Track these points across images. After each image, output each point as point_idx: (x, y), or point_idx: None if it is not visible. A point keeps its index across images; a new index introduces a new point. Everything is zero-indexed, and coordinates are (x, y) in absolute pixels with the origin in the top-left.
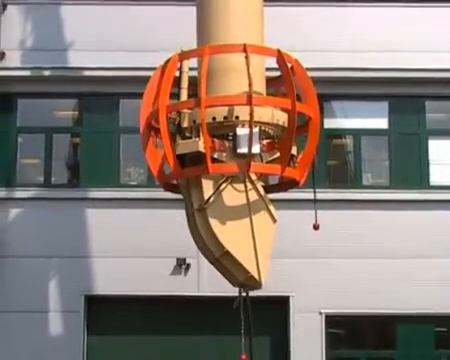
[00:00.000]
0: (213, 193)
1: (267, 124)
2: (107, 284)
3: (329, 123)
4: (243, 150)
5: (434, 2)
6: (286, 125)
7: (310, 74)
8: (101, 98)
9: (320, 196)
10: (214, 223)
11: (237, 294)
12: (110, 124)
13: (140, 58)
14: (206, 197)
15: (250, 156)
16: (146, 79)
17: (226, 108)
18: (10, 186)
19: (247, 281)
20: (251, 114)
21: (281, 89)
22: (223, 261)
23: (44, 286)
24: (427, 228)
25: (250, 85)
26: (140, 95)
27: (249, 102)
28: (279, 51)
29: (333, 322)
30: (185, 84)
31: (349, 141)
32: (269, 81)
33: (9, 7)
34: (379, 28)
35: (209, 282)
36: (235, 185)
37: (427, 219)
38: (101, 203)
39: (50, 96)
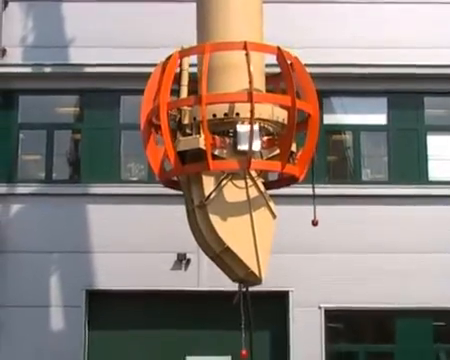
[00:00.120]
0: (214, 190)
1: (267, 121)
2: (108, 279)
3: (328, 119)
4: (243, 147)
5: None
6: (286, 122)
7: (309, 70)
8: (102, 94)
9: (319, 191)
10: (214, 219)
11: (237, 289)
12: (111, 120)
13: (141, 55)
14: (207, 194)
15: (251, 153)
16: (147, 75)
17: (226, 105)
18: (11, 182)
19: (247, 277)
20: (252, 111)
21: (280, 85)
22: (223, 257)
23: (45, 281)
24: (426, 223)
25: (250, 82)
26: (141, 91)
27: (250, 99)
28: (279, 48)
29: (332, 316)
30: (185, 81)
31: (348, 137)
32: (268, 78)
33: (10, 4)
34: (378, 24)
35: (209, 277)
36: (235, 182)
37: (426, 214)
38: (102, 199)
39: (51, 93)
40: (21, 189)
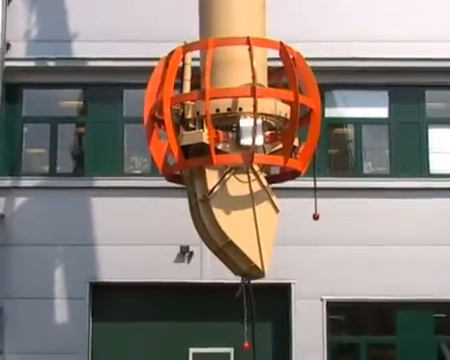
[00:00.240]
0: (217, 183)
1: (270, 116)
2: (112, 271)
3: (330, 112)
4: (246, 142)
5: None
6: (288, 117)
7: (311, 64)
8: (105, 88)
9: (321, 184)
10: (218, 213)
11: (239, 281)
12: (114, 114)
13: (144, 49)
14: (210, 188)
15: (254, 148)
16: (150, 69)
17: (229, 100)
18: (16, 175)
19: (250, 271)
20: (255, 106)
21: (281, 80)
22: (226, 251)
23: (49, 274)
24: (427, 215)
25: (254, 77)
26: (144, 85)
27: (253, 94)
28: (282, 44)
29: (334, 308)
30: (188, 76)
31: (350, 130)
32: (270, 72)
33: None
34: (379, 18)
35: (212, 269)
36: (238, 176)
37: (427, 207)
38: (105, 192)
39: (55, 86)
40: (25, 182)
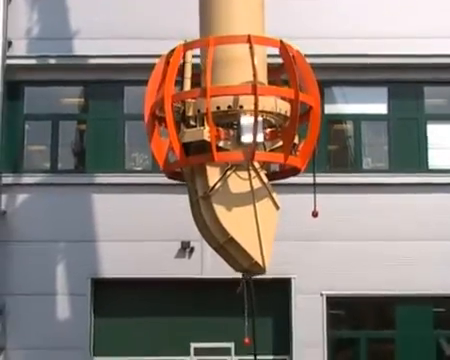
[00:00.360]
0: (218, 180)
1: (270, 113)
2: (113, 267)
3: (330, 109)
4: (247, 139)
5: None
6: (288, 114)
7: (311, 61)
8: (106, 85)
9: (321, 180)
10: (219, 210)
11: (240, 276)
12: (115, 111)
13: (144, 46)
14: (211, 185)
15: (255, 145)
16: (150, 67)
17: (230, 97)
18: (17, 172)
19: (251, 267)
20: (256, 104)
21: (280, 77)
22: (227, 248)
23: (51, 270)
24: (426, 211)
25: (255, 75)
26: (144, 82)
27: (254, 92)
28: (282, 42)
29: (334, 303)
30: (188, 74)
31: (349, 126)
32: (269, 70)
33: None
34: (378, 14)
35: (212, 265)
36: (239, 173)
37: (426, 202)
38: (107, 188)
39: (56, 84)
40: (27, 179)
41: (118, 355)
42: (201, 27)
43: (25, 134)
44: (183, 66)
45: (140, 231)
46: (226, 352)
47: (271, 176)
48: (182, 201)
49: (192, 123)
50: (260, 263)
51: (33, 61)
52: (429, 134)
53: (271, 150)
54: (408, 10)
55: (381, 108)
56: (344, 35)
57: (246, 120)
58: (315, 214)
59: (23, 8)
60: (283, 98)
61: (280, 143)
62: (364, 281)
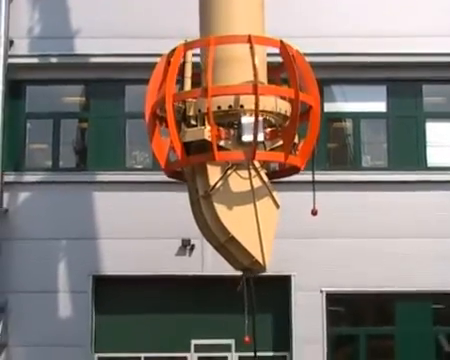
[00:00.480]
0: (219, 179)
1: (270, 113)
2: (114, 265)
3: (329, 107)
4: (248, 138)
5: None
6: (288, 114)
7: (310, 59)
8: (107, 84)
9: (320, 178)
10: (219, 209)
11: (240, 274)
12: (116, 109)
13: (145, 45)
14: (211, 184)
15: (255, 144)
16: (151, 65)
17: (231, 97)
18: (19, 170)
19: (252, 266)
20: (257, 104)
21: (280, 76)
22: (228, 246)
23: (52, 267)
24: (424, 208)
25: (255, 75)
26: (145, 81)
27: (255, 92)
28: (282, 42)
29: (334, 300)
30: (189, 73)
31: (349, 124)
32: (269, 69)
33: None
34: (378, 13)
35: (213, 262)
36: (239, 172)
37: (424, 199)
38: (108, 186)
39: (57, 82)
40: (28, 177)
41: (119, 352)
42: (201, 27)
43: (27, 132)
44: (183, 65)
45: (141, 228)
46: (226, 349)
47: (271, 175)
48: (182, 199)
49: (193, 122)
50: (261, 261)
51: (35, 60)
52: (428, 132)
53: (271, 149)
54: (407, 9)
55: (380, 106)
56: (344, 34)
57: (247, 120)
58: (315, 212)
59: (25, 7)
60: (283, 98)
61: (280, 142)
62: (363, 278)
